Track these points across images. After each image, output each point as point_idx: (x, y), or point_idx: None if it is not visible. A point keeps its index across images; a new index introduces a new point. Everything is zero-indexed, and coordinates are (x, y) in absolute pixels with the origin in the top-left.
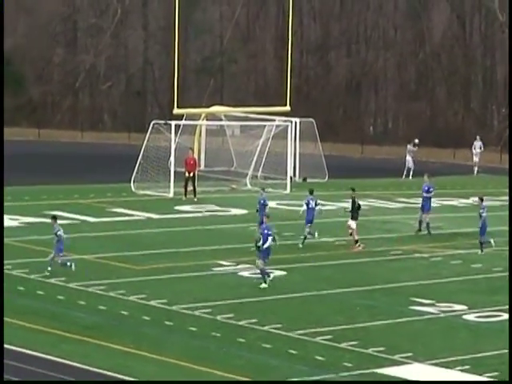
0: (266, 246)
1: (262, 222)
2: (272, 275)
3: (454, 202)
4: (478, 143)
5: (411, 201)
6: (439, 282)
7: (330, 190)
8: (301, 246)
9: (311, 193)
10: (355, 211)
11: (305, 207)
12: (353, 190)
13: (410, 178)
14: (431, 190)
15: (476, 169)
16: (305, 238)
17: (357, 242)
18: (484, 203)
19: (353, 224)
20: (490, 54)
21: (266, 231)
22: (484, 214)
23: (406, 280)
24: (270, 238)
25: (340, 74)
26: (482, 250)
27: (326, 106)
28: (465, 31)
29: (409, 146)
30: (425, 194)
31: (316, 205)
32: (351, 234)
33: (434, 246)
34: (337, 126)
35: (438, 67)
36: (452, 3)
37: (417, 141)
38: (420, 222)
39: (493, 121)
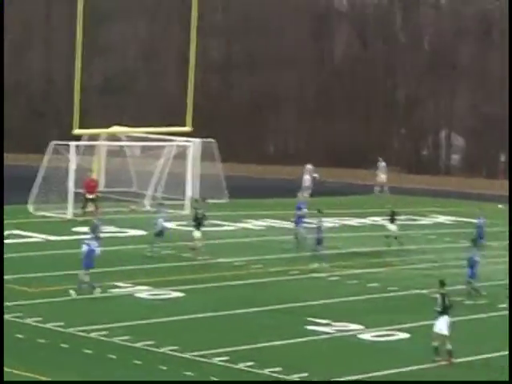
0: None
1: None
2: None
3: (352, 222)
4: (381, 164)
5: (308, 220)
6: (336, 301)
7: (229, 210)
8: None
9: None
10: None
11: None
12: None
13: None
14: (301, 207)
15: (382, 188)
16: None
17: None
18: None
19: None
20: (391, 75)
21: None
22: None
23: (302, 300)
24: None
25: (242, 92)
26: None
27: (228, 126)
28: (366, 51)
29: (308, 166)
30: (298, 212)
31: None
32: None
33: (331, 266)
34: (238, 146)
35: (339, 87)
36: (353, 23)
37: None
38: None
39: (392, 140)
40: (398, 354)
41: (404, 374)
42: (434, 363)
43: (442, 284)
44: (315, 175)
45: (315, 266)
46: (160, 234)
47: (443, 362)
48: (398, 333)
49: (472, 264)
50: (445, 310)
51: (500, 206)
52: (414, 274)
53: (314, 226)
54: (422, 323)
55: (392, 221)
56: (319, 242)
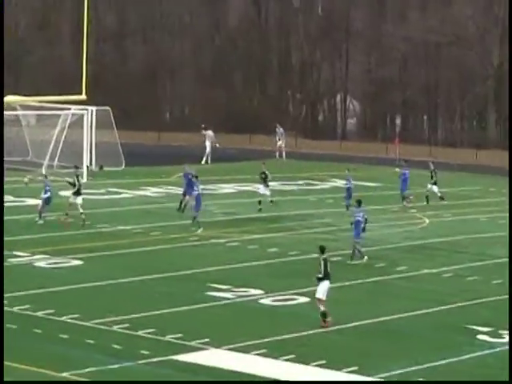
0: None
1: None
2: None
3: (250, 188)
4: (279, 130)
5: (209, 187)
6: (236, 267)
7: (126, 178)
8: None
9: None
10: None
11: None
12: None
13: (209, 163)
14: (189, 176)
15: (281, 154)
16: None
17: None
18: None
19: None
20: (284, 39)
21: None
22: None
23: (202, 266)
24: None
25: (136, 61)
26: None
27: (123, 94)
28: (260, 16)
29: (208, 132)
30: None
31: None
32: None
33: (230, 232)
34: (133, 113)
35: (234, 52)
36: None
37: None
38: (181, 203)
39: (288, 106)
40: (298, 318)
41: (304, 338)
42: (333, 326)
43: (322, 250)
44: (217, 144)
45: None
46: (48, 202)
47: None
48: (297, 297)
49: (355, 225)
50: (326, 276)
51: (397, 169)
52: (313, 239)
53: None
54: None
55: (265, 182)
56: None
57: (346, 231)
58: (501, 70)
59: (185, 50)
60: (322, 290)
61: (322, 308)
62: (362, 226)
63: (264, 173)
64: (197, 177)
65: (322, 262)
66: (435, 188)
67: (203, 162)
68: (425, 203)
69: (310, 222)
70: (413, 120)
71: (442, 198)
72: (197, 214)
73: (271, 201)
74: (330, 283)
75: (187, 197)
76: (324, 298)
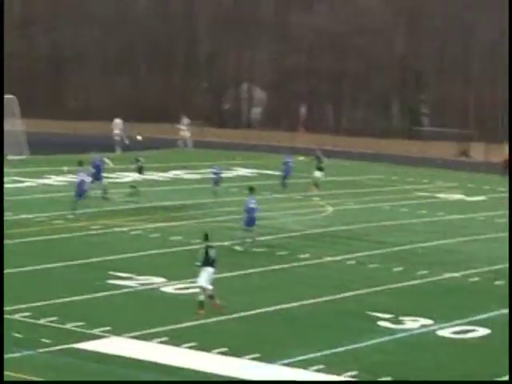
0: None
1: None
2: None
3: (154, 176)
4: (185, 120)
5: (112, 175)
6: (138, 255)
7: (30, 167)
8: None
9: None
10: None
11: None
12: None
13: (118, 152)
14: (98, 163)
15: (186, 143)
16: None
17: None
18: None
19: None
20: (191, 28)
21: None
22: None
23: (105, 254)
24: None
25: (42, 49)
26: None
27: (28, 82)
28: (167, 5)
29: (116, 120)
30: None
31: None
32: None
33: (134, 220)
34: (39, 102)
35: (141, 42)
36: None
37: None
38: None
39: (194, 95)
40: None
41: (206, 326)
42: (235, 314)
43: (206, 237)
44: (139, 137)
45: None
46: None
47: (220, 314)
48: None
49: (248, 211)
50: (208, 263)
51: (301, 157)
52: (216, 227)
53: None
54: (224, 275)
55: (139, 171)
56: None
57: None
58: (405, 59)
59: (91, 39)
60: (204, 277)
61: (202, 297)
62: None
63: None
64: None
65: (203, 250)
66: (319, 173)
67: (117, 152)
68: (316, 191)
69: (214, 210)
70: (318, 109)
71: (316, 185)
72: (79, 199)
73: (134, 186)
74: (215, 272)
75: (101, 182)
76: (208, 286)
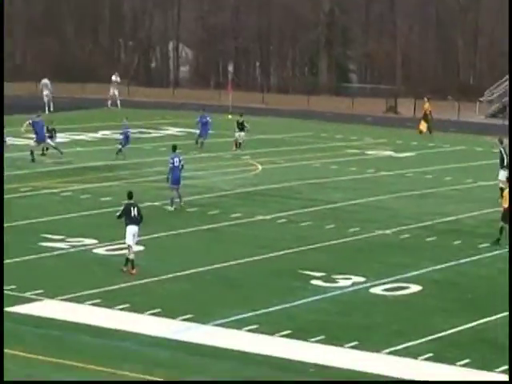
0: None
1: None
2: None
3: (83, 137)
4: (113, 77)
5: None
6: (69, 217)
7: None
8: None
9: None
10: None
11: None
12: None
13: (47, 112)
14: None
15: (113, 102)
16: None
17: None
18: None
19: None
20: None
21: None
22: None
23: (35, 217)
24: None
25: None
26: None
27: None
28: None
29: (44, 80)
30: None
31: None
32: None
33: (64, 181)
34: None
35: (66, 2)
36: None
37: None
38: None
39: (120, 54)
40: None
41: (138, 287)
42: (168, 274)
43: (130, 195)
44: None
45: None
46: None
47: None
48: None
49: (171, 169)
50: (132, 221)
51: (230, 116)
52: (147, 187)
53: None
54: (155, 235)
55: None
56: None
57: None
58: (331, 16)
59: (16, 0)
60: (128, 235)
61: (132, 256)
62: (179, 172)
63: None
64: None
65: (124, 207)
66: (239, 135)
67: (47, 112)
68: (236, 149)
69: (144, 170)
70: (245, 67)
71: (238, 145)
72: None
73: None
74: (139, 229)
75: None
76: (132, 243)
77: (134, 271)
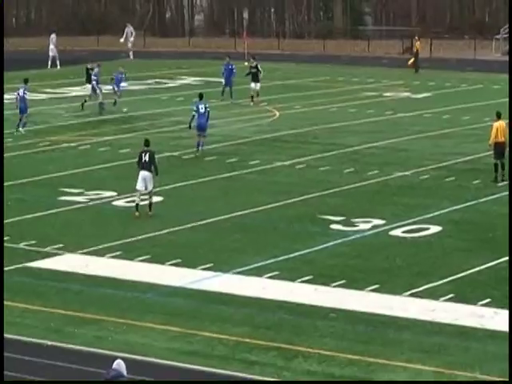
0: None
1: None
2: None
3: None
4: (128, 29)
5: (57, 91)
6: (88, 170)
7: None
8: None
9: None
10: None
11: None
12: None
13: (58, 67)
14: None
15: (129, 54)
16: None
17: None
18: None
19: None
20: None
21: None
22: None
23: (54, 171)
24: None
25: None
26: None
27: None
28: None
29: (52, 36)
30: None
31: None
32: None
33: (82, 135)
34: None
35: None
36: None
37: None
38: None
39: (135, 5)
40: (151, 218)
41: (158, 238)
42: (187, 224)
43: (146, 143)
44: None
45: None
46: None
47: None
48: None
49: (198, 116)
50: (143, 167)
51: (246, 63)
52: (165, 137)
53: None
54: (174, 185)
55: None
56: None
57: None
58: None
59: None
60: (138, 180)
61: (137, 199)
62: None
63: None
64: None
65: (141, 154)
66: (255, 85)
67: (49, 67)
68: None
69: (162, 121)
70: (260, 13)
71: (252, 97)
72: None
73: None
74: (153, 176)
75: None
76: (142, 188)
77: (137, 213)
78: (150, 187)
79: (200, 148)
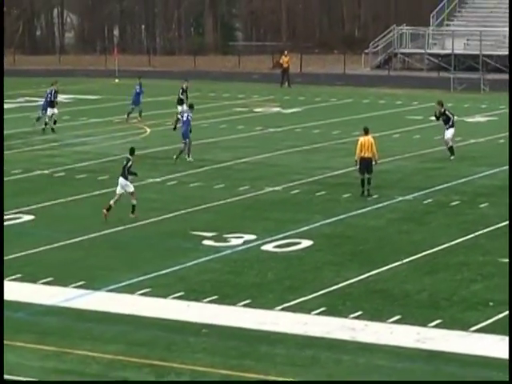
0: None
1: None
2: None
3: None
4: None
5: None
6: None
7: None
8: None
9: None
10: None
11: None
12: None
13: None
14: None
15: None
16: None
17: None
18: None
19: None
20: None
21: None
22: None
23: None
24: None
25: None
26: None
27: None
28: None
29: None
30: None
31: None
32: None
33: None
34: None
35: None
36: None
37: None
38: None
39: (4, 23)
40: (23, 236)
41: (30, 257)
42: (59, 242)
43: (130, 151)
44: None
45: None
46: None
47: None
48: (22, 215)
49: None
50: (122, 174)
51: (117, 80)
52: (36, 155)
53: None
54: (45, 204)
55: None
56: None
57: (70, 146)
58: None
59: None
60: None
61: (112, 202)
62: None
63: None
64: None
65: (125, 162)
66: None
67: None
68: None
69: (32, 139)
70: (131, 30)
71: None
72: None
73: None
74: (125, 181)
75: None
76: (121, 192)
77: (133, 215)
78: (129, 190)
79: (177, 156)
